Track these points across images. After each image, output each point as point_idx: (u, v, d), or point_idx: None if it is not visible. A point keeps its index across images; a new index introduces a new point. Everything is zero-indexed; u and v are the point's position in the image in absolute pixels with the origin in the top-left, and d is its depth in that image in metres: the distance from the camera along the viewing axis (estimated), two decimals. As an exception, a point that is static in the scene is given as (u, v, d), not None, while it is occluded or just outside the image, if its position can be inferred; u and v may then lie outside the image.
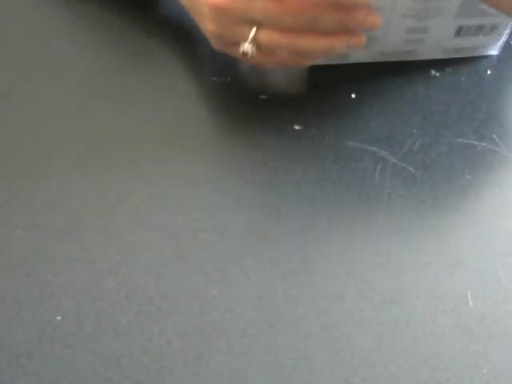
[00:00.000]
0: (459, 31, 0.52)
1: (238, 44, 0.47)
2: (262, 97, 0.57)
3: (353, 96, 0.57)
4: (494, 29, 0.53)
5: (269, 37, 0.46)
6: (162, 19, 0.63)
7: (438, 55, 0.55)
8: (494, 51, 0.56)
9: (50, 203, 0.47)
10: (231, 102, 0.57)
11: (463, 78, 0.55)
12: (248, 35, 0.46)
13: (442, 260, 0.45)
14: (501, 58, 0.56)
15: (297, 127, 0.54)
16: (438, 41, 0.53)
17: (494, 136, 0.50)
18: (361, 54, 0.55)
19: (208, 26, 0.49)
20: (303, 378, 0.39)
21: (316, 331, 0.41)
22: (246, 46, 0.47)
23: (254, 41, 0.47)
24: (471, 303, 0.43)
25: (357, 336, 0.41)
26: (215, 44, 0.51)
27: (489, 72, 0.55)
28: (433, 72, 0.55)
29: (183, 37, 0.62)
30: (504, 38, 0.54)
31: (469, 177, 0.49)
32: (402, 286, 0.43)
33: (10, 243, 0.46)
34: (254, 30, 0.46)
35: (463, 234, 0.46)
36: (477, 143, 0.50)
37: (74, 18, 0.59)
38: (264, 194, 0.48)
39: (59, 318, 0.42)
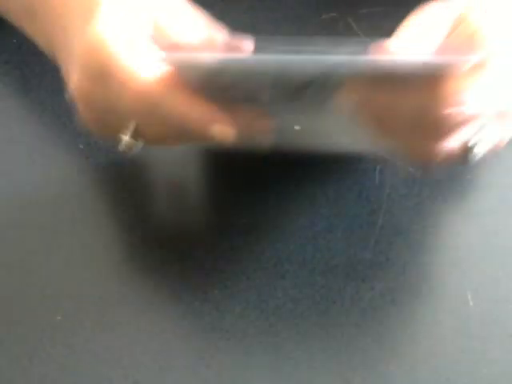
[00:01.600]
0: None
1: (117, 132, 0.39)
2: (262, 97, 0.57)
3: (353, 96, 0.57)
4: None
5: (149, 129, 0.38)
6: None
7: None
8: None
9: (49, 203, 0.47)
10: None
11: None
12: (126, 125, 0.38)
13: (441, 260, 0.45)
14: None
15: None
16: None
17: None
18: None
19: (80, 112, 0.40)
20: (303, 378, 0.39)
21: (316, 331, 0.41)
22: (127, 140, 0.38)
23: (136, 135, 0.38)
24: (471, 303, 0.43)
25: (357, 336, 0.41)
26: (93, 133, 0.41)
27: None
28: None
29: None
30: None
31: (469, 177, 0.49)
32: (402, 286, 0.43)
33: (9, 243, 0.46)
34: (132, 124, 0.38)
35: (463, 234, 0.46)
36: (477, 143, 0.50)
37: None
38: (264, 194, 0.48)
39: (59, 318, 0.42)
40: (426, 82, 0.36)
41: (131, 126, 0.38)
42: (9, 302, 0.43)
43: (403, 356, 0.40)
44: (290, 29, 0.63)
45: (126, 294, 0.43)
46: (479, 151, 0.38)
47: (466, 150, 0.38)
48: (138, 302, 0.43)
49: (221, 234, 0.46)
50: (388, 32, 0.63)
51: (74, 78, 0.38)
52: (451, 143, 0.37)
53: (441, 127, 0.37)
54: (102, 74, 0.37)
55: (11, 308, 0.42)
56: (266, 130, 0.39)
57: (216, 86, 0.37)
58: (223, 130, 0.37)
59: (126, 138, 0.38)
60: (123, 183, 0.49)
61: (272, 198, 0.47)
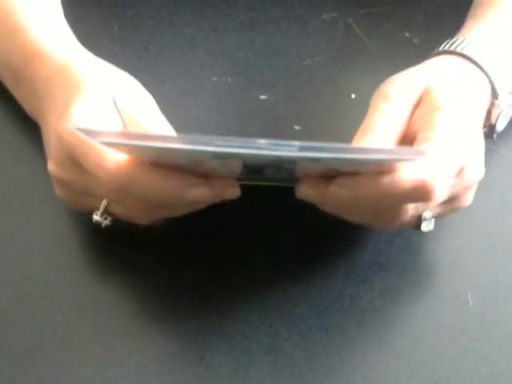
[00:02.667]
0: None
1: (90, 210, 0.42)
2: (262, 97, 0.57)
3: (353, 96, 0.57)
4: None
5: (121, 209, 0.41)
6: (161, 21, 0.63)
7: None
8: None
9: (49, 203, 0.47)
10: (231, 101, 0.57)
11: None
12: (99, 205, 0.41)
13: (441, 260, 0.45)
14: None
15: (297, 127, 0.54)
16: None
17: (494, 136, 0.50)
18: None
19: (56, 190, 0.44)
20: (303, 378, 0.39)
21: (316, 331, 0.41)
22: (98, 219, 0.42)
23: (106, 213, 0.41)
24: (471, 303, 0.43)
25: (357, 336, 0.41)
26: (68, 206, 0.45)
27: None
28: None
29: (183, 38, 0.62)
30: None
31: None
32: (401, 286, 0.43)
33: (9, 243, 0.46)
34: (103, 203, 0.41)
35: (463, 234, 0.46)
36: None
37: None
38: (264, 194, 0.48)
39: (59, 318, 0.42)
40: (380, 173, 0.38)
41: (102, 207, 0.41)
42: (9, 301, 0.43)
43: (403, 356, 0.40)
44: (290, 29, 0.64)
45: (125, 295, 0.43)
46: (430, 223, 0.43)
47: (419, 221, 0.43)
48: (138, 302, 0.43)
49: (221, 235, 0.46)
50: (388, 32, 0.63)
51: (51, 165, 0.42)
52: (406, 218, 0.41)
53: (397, 211, 0.40)
54: (75, 165, 0.40)
55: (11, 308, 0.42)
56: (235, 193, 0.41)
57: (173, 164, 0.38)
58: (199, 191, 0.38)
59: (96, 217, 0.41)
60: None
61: (272, 199, 0.47)
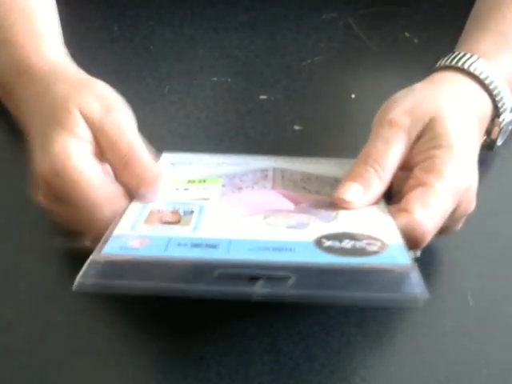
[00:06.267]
0: None
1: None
2: (262, 97, 0.57)
3: (353, 96, 0.57)
4: None
5: None
6: (161, 21, 0.64)
7: None
8: None
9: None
10: (231, 101, 0.57)
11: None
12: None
13: (442, 260, 0.45)
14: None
15: (297, 127, 0.54)
16: None
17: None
18: None
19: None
20: (303, 378, 0.39)
21: (316, 331, 0.41)
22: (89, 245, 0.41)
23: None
24: (471, 303, 0.43)
25: (357, 336, 0.41)
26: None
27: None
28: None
29: (183, 38, 0.62)
30: None
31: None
32: (402, 286, 0.43)
33: (9, 243, 0.46)
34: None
35: (463, 234, 0.46)
36: (477, 143, 0.50)
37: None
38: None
39: (59, 318, 0.42)
40: None
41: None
42: (9, 302, 0.43)
43: (403, 356, 0.40)
44: (290, 29, 0.64)
45: (126, 295, 0.43)
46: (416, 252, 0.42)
47: None
48: (138, 302, 0.43)
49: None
50: (388, 32, 0.63)
51: (40, 197, 0.43)
52: None
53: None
54: (58, 200, 0.42)
55: (11, 308, 0.43)
56: None
57: None
58: None
59: (87, 243, 0.42)
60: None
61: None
